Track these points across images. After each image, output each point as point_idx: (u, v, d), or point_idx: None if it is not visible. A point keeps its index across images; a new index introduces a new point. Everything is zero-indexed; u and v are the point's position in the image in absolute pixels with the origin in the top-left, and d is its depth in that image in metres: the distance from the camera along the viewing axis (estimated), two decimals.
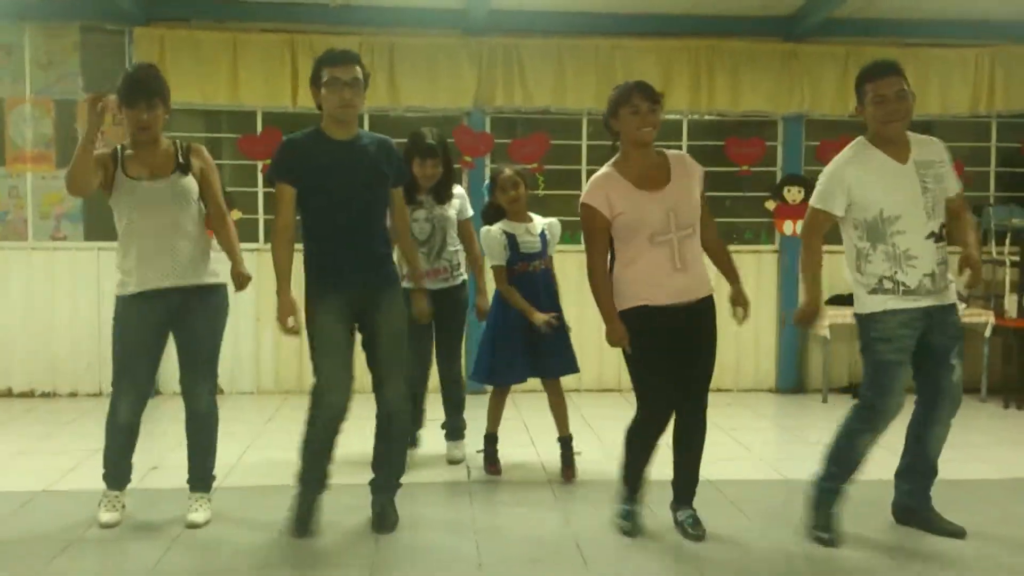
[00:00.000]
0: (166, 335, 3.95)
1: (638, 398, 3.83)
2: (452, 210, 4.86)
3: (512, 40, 7.02)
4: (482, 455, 4.90)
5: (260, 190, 7.12)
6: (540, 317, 4.50)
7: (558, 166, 7.24)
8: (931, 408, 3.82)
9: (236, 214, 6.97)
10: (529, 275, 4.62)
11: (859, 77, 3.73)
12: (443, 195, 4.81)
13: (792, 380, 7.44)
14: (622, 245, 3.73)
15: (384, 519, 3.90)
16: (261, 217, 7.13)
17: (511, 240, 4.62)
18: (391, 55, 6.93)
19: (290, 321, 3.72)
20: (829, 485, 3.85)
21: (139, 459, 4.89)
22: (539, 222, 4.72)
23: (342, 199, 3.71)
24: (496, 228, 4.64)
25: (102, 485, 4.05)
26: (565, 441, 4.79)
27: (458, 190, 4.96)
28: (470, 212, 4.98)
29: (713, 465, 4.90)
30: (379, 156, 3.78)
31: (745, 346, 7.43)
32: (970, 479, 4.77)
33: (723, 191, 7.44)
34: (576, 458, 4.79)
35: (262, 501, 4.28)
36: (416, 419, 4.93)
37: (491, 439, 4.89)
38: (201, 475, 4.07)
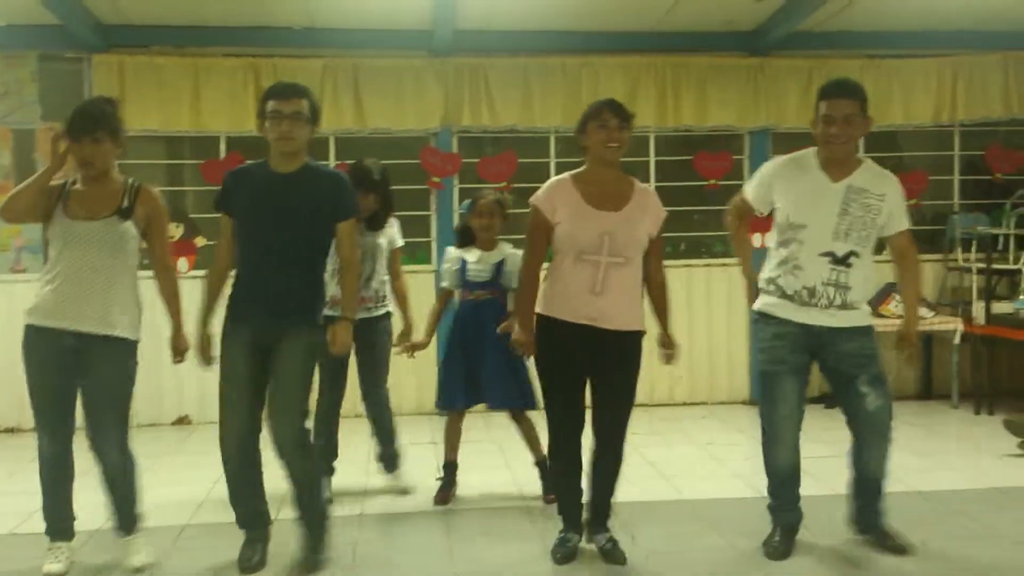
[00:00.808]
0: (73, 375, 3.72)
1: (546, 415, 3.85)
2: (384, 238, 4.74)
3: (478, 60, 7.01)
4: (440, 483, 4.79)
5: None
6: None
7: (527, 184, 7.20)
8: (856, 436, 3.84)
9: (201, 240, 6.90)
10: (474, 303, 4.58)
11: (818, 92, 3.77)
12: (376, 224, 4.68)
13: None
14: (556, 254, 3.75)
15: (306, 561, 3.77)
16: None
17: (462, 265, 4.59)
18: (356, 77, 6.89)
19: (204, 356, 3.79)
20: (773, 503, 3.95)
21: (99, 497, 4.83)
22: (500, 252, 4.62)
23: (263, 233, 3.64)
24: (456, 251, 4.64)
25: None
26: (542, 463, 4.73)
27: (391, 220, 4.84)
28: (400, 242, 4.87)
29: (689, 483, 4.92)
30: (319, 192, 3.67)
31: (718, 358, 7.44)
32: (941, 490, 4.78)
33: (692, 205, 7.46)
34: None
35: (232, 539, 4.18)
36: (331, 450, 4.77)
37: (450, 467, 4.78)
38: (127, 520, 3.87)
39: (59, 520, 3.83)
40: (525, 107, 7.08)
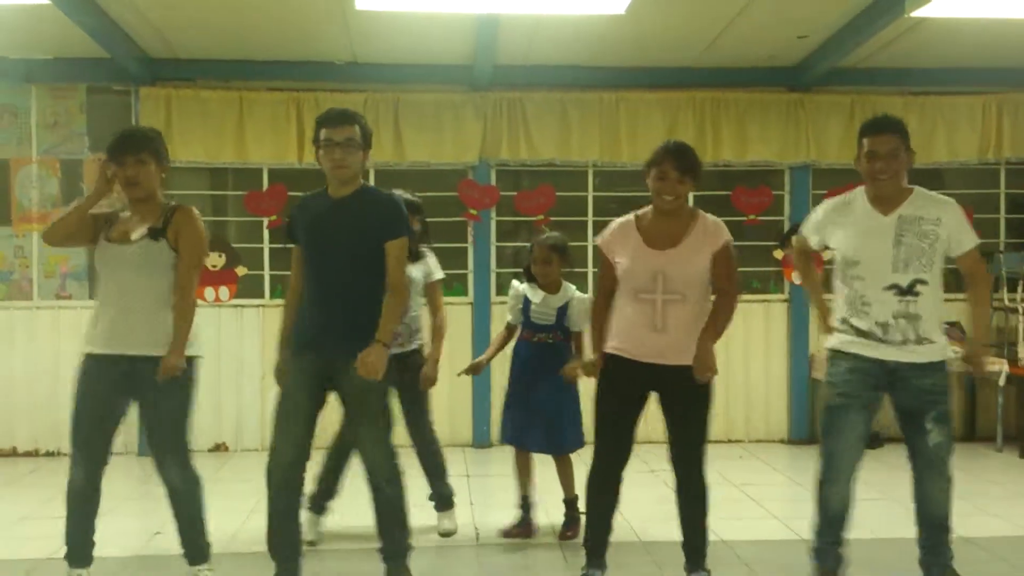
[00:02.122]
0: (123, 403, 3.77)
1: (593, 446, 3.88)
2: (417, 271, 4.59)
3: (517, 94, 7.05)
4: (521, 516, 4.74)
5: (266, 246, 7.11)
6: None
7: (564, 217, 7.23)
8: (915, 474, 3.76)
9: (242, 270, 6.98)
10: (531, 344, 4.57)
11: (859, 129, 3.79)
12: (414, 255, 4.49)
13: (804, 430, 7.33)
14: (619, 291, 3.81)
15: None
16: (267, 273, 7.11)
17: (526, 304, 4.58)
18: (397, 111, 6.96)
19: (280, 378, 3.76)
20: (817, 543, 3.85)
21: (142, 523, 4.87)
22: (566, 295, 4.59)
23: (320, 258, 3.67)
24: (521, 287, 4.65)
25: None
26: (571, 502, 4.71)
27: (426, 251, 4.73)
28: (438, 275, 4.75)
29: (726, 523, 4.83)
30: (369, 213, 3.66)
31: (756, 396, 7.35)
32: (985, 536, 4.66)
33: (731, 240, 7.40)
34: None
35: (265, 570, 4.17)
36: (331, 491, 4.64)
37: (524, 503, 4.73)
38: (194, 548, 3.90)
39: (80, 547, 3.84)
40: (563, 141, 7.10)
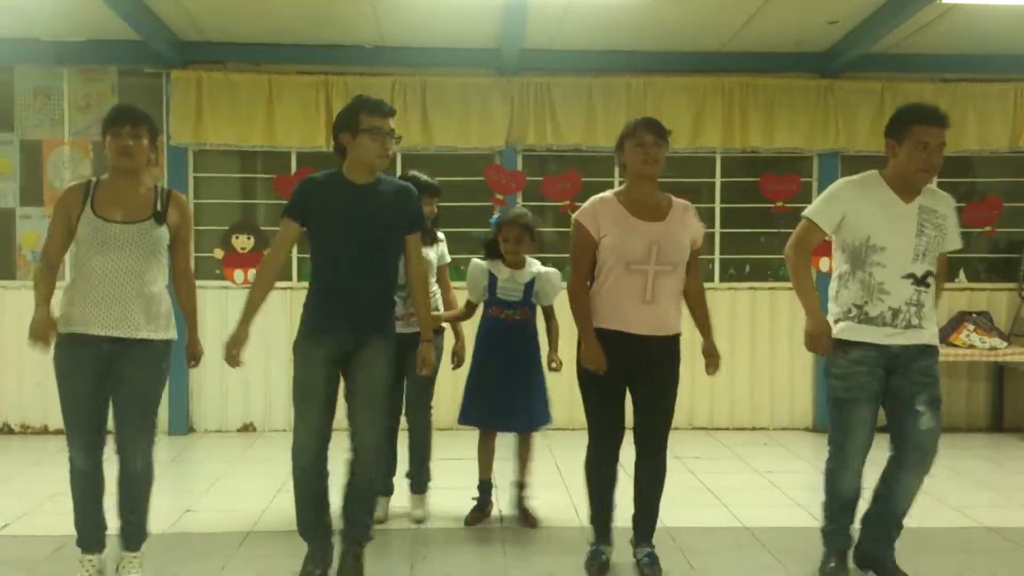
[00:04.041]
0: (107, 383, 3.66)
1: (588, 426, 3.91)
2: (434, 254, 4.70)
3: (544, 79, 7.04)
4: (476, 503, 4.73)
5: None
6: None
7: None
8: (897, 458, 3.75)
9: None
10: (500, 321, 4.51)
11: (906, 115, 3.67)
12: (429, 238, 4.60)
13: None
14: (602, 267, 3.79)
15: (344, 572, 3.79)
16: (295, 256, 7.16)
17: (492, 281, 4.51)
18: (424, 95, 6.98)
19: (234, 352, 3.71)
20: (830, 528, 3.90)
21: (172, 501, 4.94)
22: (531, 271, 4.55)
23: (348, 244, 3.66)
24: (483, 264, 4.56)
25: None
26: (523, 486, 4.71)
27: (439, 235, 4.85)
28: (448, 259, 4.90)
29: (750, 510, 4.85)
30: (394, 202, 3.72)
31: (780, 384, 7.34)
32: (1010, 526, 4.65)
33: (758, 227, 7.39)
34: (534, 504, 4.73)
35: (294, 546, 4.23)
36: (391, 467, 4.73)
37: (484, 487, 4.73)
38: (134, 534, 3.80)
39: (91, 531, 3.77)
40: (589, 126, 7.09)
